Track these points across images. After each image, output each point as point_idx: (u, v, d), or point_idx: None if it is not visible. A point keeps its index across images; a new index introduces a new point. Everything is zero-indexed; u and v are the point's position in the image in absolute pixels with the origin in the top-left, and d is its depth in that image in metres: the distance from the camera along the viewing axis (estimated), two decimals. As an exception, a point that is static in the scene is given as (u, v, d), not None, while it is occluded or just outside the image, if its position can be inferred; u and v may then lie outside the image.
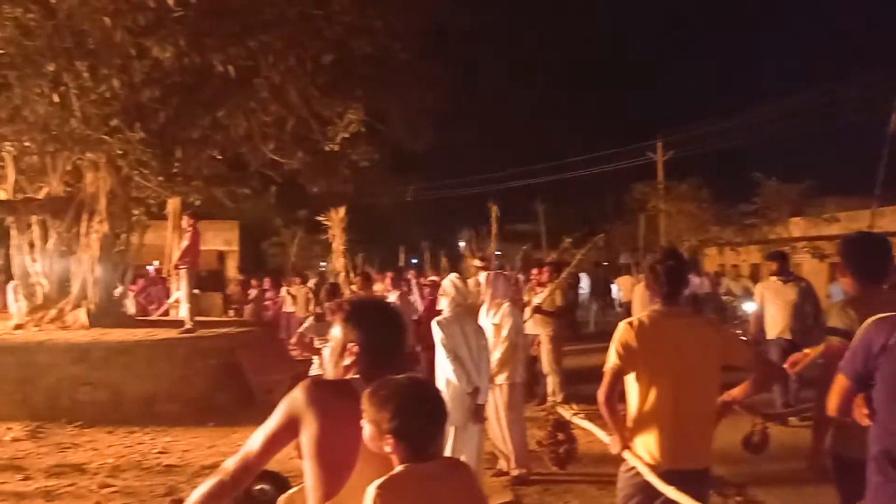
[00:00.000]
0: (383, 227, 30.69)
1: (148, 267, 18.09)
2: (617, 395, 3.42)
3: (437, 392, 2.08)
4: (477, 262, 11.91)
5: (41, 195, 11.21)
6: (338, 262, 15.40)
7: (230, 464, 2.17)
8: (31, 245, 11.12)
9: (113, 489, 6.62)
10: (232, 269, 27.03)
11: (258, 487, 2.66)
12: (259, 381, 9.88)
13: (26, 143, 9.58)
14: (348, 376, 2.19)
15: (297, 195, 18.34)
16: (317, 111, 10.11)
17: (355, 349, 2.18)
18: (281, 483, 2.68)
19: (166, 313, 14.29)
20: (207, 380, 9.60)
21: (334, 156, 10.64)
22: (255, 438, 2.16)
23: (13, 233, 11.10)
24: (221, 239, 26.71)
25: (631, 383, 3.40)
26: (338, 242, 15.34)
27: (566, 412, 5.05)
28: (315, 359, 7.23)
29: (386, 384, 2.01)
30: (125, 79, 8.76)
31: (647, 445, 3.34)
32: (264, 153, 10.69)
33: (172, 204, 13.84)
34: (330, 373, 2.26)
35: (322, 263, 29.27)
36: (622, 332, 3.40)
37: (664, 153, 30.54)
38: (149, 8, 8.06)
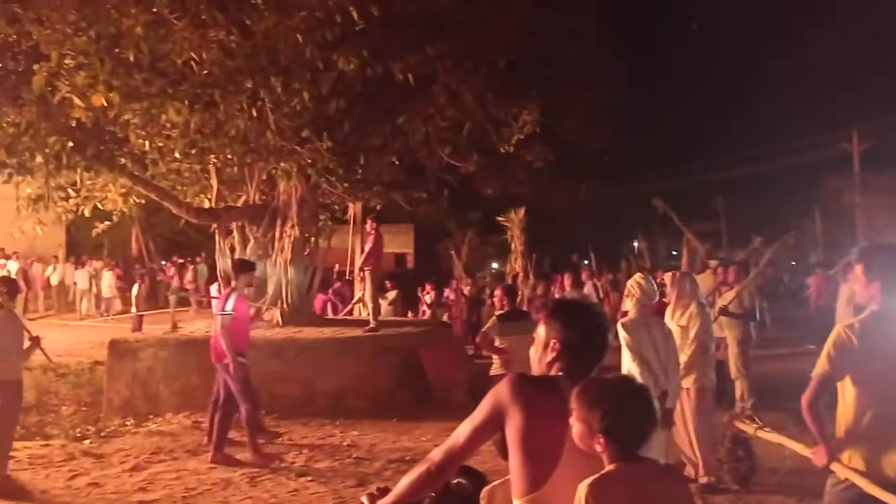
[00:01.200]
0: (554, 228, 30.55)
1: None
2: (823, 402, 3.22)
3: (648, 392, 2.07)
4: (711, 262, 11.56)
5: (240, 203, 12.12)
6: (516, 263, 15.52)
7: (436, 454, 2.24)
8: (232, 249, 12.04)
9: (308, 478, 7.05)
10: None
11: (456, 481, 2.72)
12: (438, 380, 10.14)
13: (228, 156, 10.39)
14: (552, 373, 2.22)
15: (469, 198, 18.70)
16: (492, 114, 10.25)
17: (557, 347, 2.22)
18: (478, 478, 2.72)
19: (350, 313, 15.02)
20: (390, 377, 9.97)
21: (509, 158, 10.72)
22: (461, 430, 2.22)
23: (217, 238, 12.09)
24: (398, 242, 27.71)
25: (846, 389, 3.18)
26: (517, 243, 15.44)
27: (748, 427, 4.80)
28: (495, 358, 7.31)
29: (597, 383, 2.03)
30: (314, 92, 9.30)
31: (862, 455, 3.10)
32: (441, 157, 10.97)
33: (354, 209, 14.51)
34: (534, 369, 2.31)
35: (493, 265, 29.63)
36: (837, 336, 3.18)
37: (860, 143, 28.23)
38: (335, 23, 8.50)
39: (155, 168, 11.20)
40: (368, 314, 11.53)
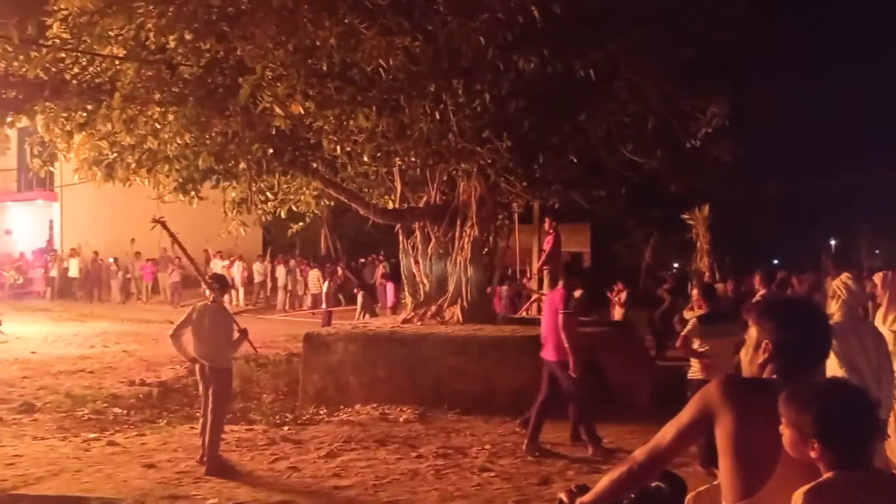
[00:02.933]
0: (739, 226, 28.99)
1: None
2: None
3: (865, 395, 1.92)
4: None
5: (422, 204, 12.49)
6: (701, 261, 14.89)
7: (639, 454, 2.19)
8: (415, 248, 12.45)
9: (491, 473, 7.14)
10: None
11: (654, 485, 2.66)
12: (619, 381, 9.92)
13: (412, 158, 10.75)
14: (765, 376, 2.11)
15: (649, 195, 18.15)
16: (677, 108, 9.90)
17: (770, 348, 2.10)
18: (677, 483, 2.64)
19: (527, 311, 15.06)
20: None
21: (695, 153, 10.30)
22: (666, 432, 2.16)
23: (400, 238, 12.54)
24: (575, 241, 27.43)
25: None
26: (702, 241, 14.80)
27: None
28: (693, 362, 7.05)
29: (806, 386, 1.91)
30: (494, 92, 9.41)
31: None
32: (622, 154, 10.73)
33: (533, 208, 14.55)
34: (744, 371, 2.21)
35: (675, 264, 28.54)
36: None
37: None
38: (517, 23, 8.56)
39: (344, 171, 11.81)
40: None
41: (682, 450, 2.18)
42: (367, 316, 17.59)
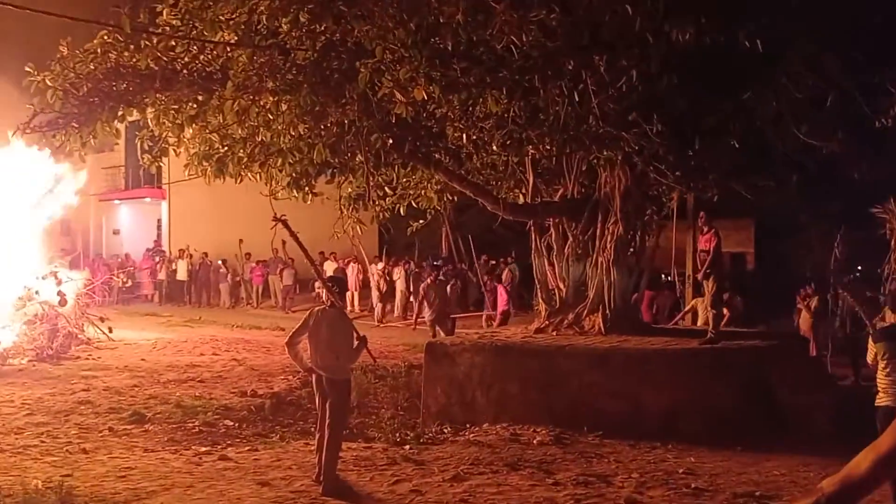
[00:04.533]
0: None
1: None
2: None
3: None
4: None
5: (557, 197, 12.45)
6: (896, 263, 14.01)
7: (827, 484, 2.13)
8: (549, 249, 12.42)
9: (640, 506, 7.04)
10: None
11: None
12: (794, 403, 9.54)
13: (546, 147, 10.73)
14: None
15: (828, 185, 17.26)
16: (862, 80, 9.40)
17: None
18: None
19: (680, 321, 14.74)
20: (732, 397, 9.58)
21: (885, 133, 9.74)
22: (861, 460, 2.08)
23: (533, 237, 12.54)
24: (735, 239, 26.52)
25: None
26: (897, 240, 13.91)
27: None
28: (880, 382, 6.72)
29: None
30: (642, 69, 9.25)
31: None
32: (795, 137, 10.29)
33: (687, 202, 14.20)
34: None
35: (858, 266, 27.02)
36: None
37: None
38: (669, -12, 8.41)
39: (470, 162, 11.93)
40: (706, 323, 11.21)
41: (880, 482, 2.09)
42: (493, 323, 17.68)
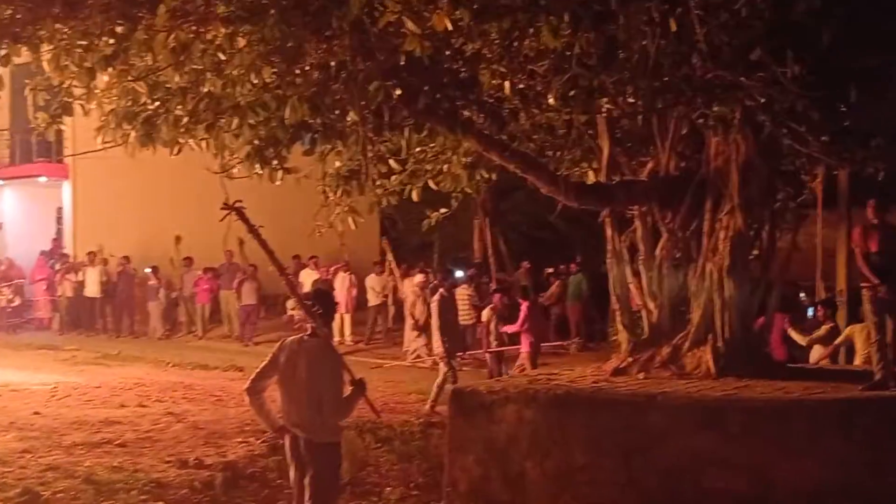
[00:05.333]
0: None
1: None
2: None
3: None
4: None
5: (644, 175, 12.34)
6: None
7: None
8: (633, 251, 12.32)
9: None
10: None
11: None
12: None
13: (628, 98, 10.65)
14: None
15: None
16: None
17: None
18: None
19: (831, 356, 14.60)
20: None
21: None
22: None
23: (608, 233, 12.44)
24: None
25: None
26: None
27: None
28: None
29: None
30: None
31: None
32: None
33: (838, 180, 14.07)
34: None
35: None
36: None
37: None
38: None
39: (515, 123, 11.84)
40: (868, 361, 11.08)
41: None
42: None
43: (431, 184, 13.36)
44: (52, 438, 13.78)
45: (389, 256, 25.67)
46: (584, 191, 12.50)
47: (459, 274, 28.51)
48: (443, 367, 17.26)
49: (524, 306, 19.04)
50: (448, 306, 18.09)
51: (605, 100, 10.84)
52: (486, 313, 19.77)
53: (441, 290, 18.89)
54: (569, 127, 12.20)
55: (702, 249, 11.65)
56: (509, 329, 19.34)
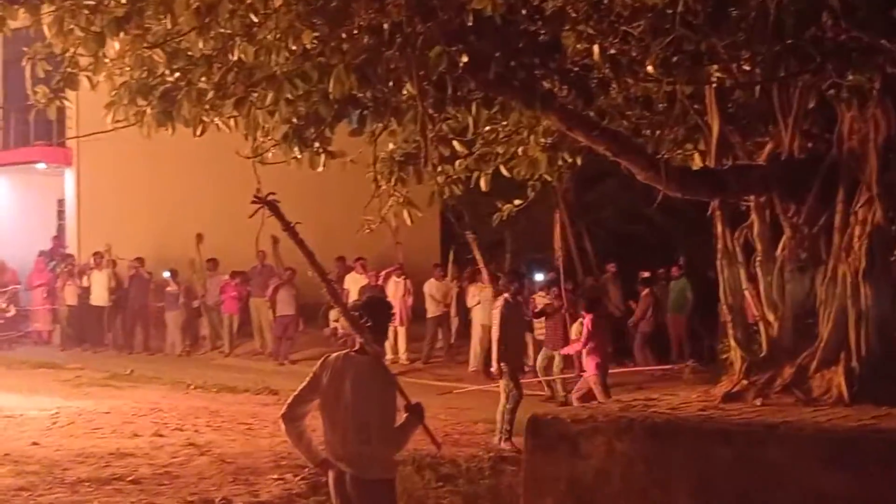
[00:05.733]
0: None
1: None
2: None
3: None
4: None
5: (762, 158, 12.27)
6: None
7: None
8: (748, 250, 12.23)
9: None
10: None
11: None
12: None
13: (743, 66, 10.59)
14: None
15: None
16: None
17: None
18: None
19: None
20: None
21: None
22: None
23: (719, 229, 12.36)
24: None
25: None
26: None
27: None
28: None
29: None
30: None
31: None
32: None
33: None
34: None
35: None
36: None
37: None
38: None
39: (606, 96, 11.81)
40: None
41: None
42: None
43: (503, 170, 13.36)
44: (53, 474, 13.92)
45: (477, 255, 25.53)
46: (688, 177, 12.43)
47: (539, 277, 28.44)
48: (504, 389, 17.20)
49: (588, 320, 19.04)
50: (513, 315, 18.02)
51: (714, 67, 10.81)
52: (575, 329, 19.77)
53: (506, 295, 18.75)
54: (670, 100, 12.13)
55: (832, 249, 11.56)
56: (570, 350, 19.37)
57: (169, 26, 10.38)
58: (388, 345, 25.75)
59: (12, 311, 29.94)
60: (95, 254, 30.09)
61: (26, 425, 17.49)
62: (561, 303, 23.46)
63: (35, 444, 15.93)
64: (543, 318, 23.70)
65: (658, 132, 12.84)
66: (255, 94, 11.15)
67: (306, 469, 10.74)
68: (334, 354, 8.10)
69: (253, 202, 8.24)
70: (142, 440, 16.49)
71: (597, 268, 31.29)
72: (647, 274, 28.05)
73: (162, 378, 23.83)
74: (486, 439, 16.12)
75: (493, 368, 17.68)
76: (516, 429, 15.33)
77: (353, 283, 26.97)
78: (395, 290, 27.19)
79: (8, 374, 23.04)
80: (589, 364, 18.67)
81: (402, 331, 27.29)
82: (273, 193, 8.32)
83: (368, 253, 26.89)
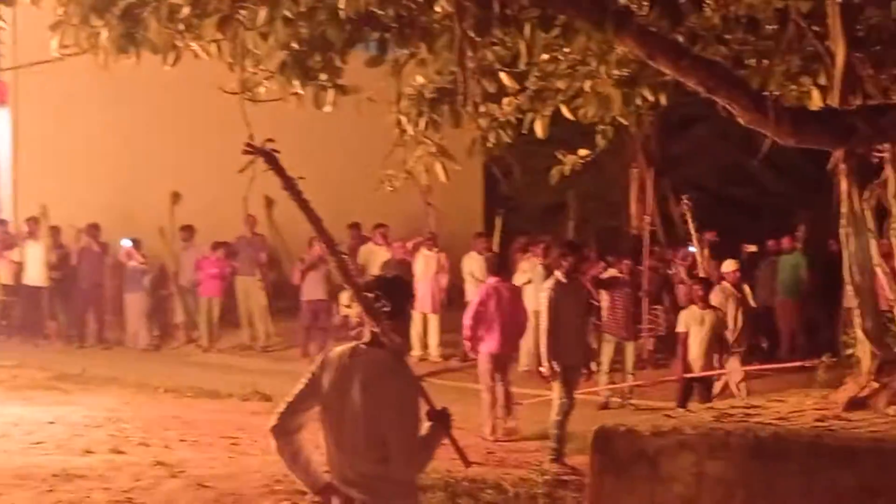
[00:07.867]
0: None
1: None
2: None
3: None
4: None
5: (897, 98, 12.31)
6: None
7: None
8: (880, 214, 12.28)
9: None
10: None
11: None
12: None
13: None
14: None
15: None
16: None
17: None
18: None
19: None
20: None
21: None
22: None
23: (842, 185, 12.36)
24: None
25: None
26: None
27: None
28: None
29: None
30: None
31: None
32: None
33: None
34: None
35: None
36: None
37: None
38: None
39: (698, 15, 11.84)
40: None
41: None
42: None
43: (565, 111, 13.38)
44: (-15, 497, 14.03)
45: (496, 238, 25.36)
46: (805, 120, 12.42)
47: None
48: (555, 394, 17.12)
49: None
50: (566, 298, 17.72)
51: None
52: (682, 318, 19.61)
53: (557, 273, 18.36)
54: (782, 20, 12.17)
55: None
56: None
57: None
58: (415, 336, 25.89)
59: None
60: (29, 219, 29.68)
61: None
62: (630, 277, 23.53)
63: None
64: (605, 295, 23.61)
65: (766, 62, 12.85)
66: (244, 11, 11.16)
67: (306, 496, 10.81)
68: (338, 349, 8.01)
69: (245, 153, 8.15)
70: (96, 458, 16.54)
71: (688, 240, 31.18)
72: (752, 248, 27.98)
73: (122, 379, 23.86)
74: (539, 458, 16.18)
75: (542, 368, 17.58)
76: (584, 445, 15.21)
77: (373, 257, 26.86)
78: (425, 267, 27.01)
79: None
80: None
81: (434, 319, 27.17)
82: (271, 140, 8.28)
83: (391, 219, 26.88)
